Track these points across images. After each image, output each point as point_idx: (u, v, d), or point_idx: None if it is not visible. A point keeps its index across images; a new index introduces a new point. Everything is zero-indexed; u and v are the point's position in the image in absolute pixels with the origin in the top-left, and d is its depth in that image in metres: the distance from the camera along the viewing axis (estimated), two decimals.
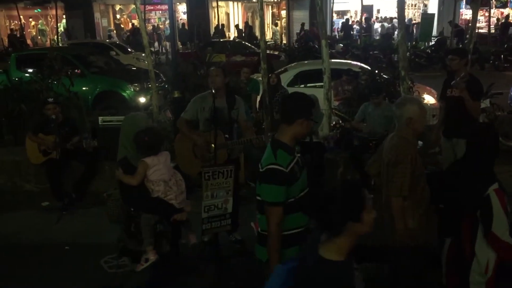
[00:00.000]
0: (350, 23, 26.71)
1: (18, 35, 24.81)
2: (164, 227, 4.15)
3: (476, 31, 10.78)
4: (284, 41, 24.92)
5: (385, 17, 27.56)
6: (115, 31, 28.66)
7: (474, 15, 8.15)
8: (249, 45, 20.10)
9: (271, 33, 28.75)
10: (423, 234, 3.36)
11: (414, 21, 25.33)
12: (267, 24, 29.83)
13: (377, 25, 27.22)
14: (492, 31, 22.54)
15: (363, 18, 23.99)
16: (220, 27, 26.74)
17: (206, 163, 4.51)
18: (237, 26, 27.86)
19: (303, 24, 24.72)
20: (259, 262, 3.04)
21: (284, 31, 27.79)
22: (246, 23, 28.68)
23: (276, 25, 27.44)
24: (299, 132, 2.99)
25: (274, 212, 2.87)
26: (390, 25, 25.46)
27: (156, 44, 26.09)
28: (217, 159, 4.43)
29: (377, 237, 2.99)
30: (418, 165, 3.30)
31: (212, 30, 26.93)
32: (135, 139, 3.95)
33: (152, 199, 3.99)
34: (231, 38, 25.08)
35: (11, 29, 26.23)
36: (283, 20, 30.13)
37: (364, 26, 23.57)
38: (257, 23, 25.91)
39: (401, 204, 3.27)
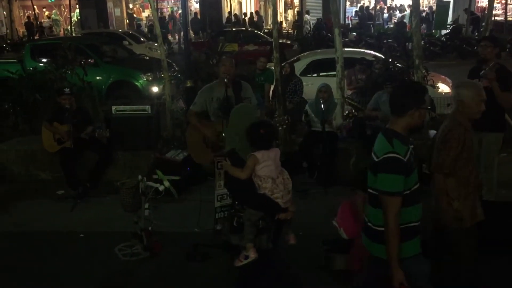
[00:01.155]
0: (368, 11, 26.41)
1: (36, 23, 25.11)
2: (266, 224, 3.97)
3: (492, 18, 10.59)
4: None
5: (400, 4, 27.25)
6: (144, 21, 28.69)
7: (490, 2, 8.01)
8: (262, 34, 20.01)
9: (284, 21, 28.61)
10: (469, 218, 3.36)
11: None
12: (280, 13, 29.63)
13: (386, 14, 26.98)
14: (509, 18, 22.13)
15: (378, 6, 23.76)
16: (255, 14, 26.46)
17: (217, 152, 4.53)
18: (235, 15, 27.56)
19: (299, 12, 24.58)
20: (376, 261, 2.93)
21: (296, 19, 27.59)
22: (257, 12, 28.49)
23: (308, 12, 26.99)
24: (412, 123, 2.89)
25: (394, 203, 2.77)
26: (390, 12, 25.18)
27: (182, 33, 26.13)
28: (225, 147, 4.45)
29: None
30: (467, 147, 3.33)
31: (224, 19, 26.85)
32: (249, 130, 3.76)
33: (258, 195, 3.81)
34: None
35: (28, 17, 26.51)
36: (296, 9, 29.90)
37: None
38: (269, 11, 25.77)
39: (442, 181, 3.33)
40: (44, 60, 10.13)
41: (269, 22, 25.32)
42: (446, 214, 3.33)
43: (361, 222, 3.39)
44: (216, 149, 4.59)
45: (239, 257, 3.95)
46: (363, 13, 25.41)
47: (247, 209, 3.92)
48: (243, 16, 27.25)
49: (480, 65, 5.21)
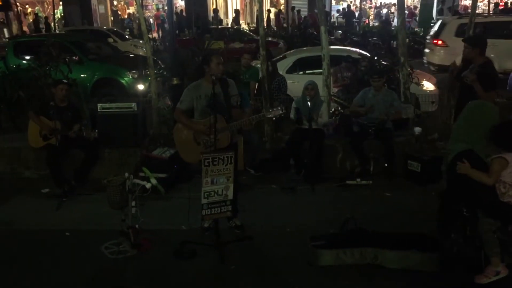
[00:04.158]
0: (351, 9, 26.59)
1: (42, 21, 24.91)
2: (503, 235, 3.65)
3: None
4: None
5: (385, 3, 27.48)
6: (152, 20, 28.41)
7: (474, 1, 8.11)
8: (248, 31, 20.02)
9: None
10: None
11: None
12: (265, 10, 29.64)
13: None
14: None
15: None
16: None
17: (209, 148, 4.52)
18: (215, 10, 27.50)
19: (298, 11, 24.63)
20: None
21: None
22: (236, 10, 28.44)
23: (293, 9, 26.98)
24: None
25: None
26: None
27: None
28: (217, 143, 4.45)
29: None
30: None
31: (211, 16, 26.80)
32: (501, 130, 3.55)
33: (501, 203, 3.57)
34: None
35: (36, 14, 26.25)
36: (282, 7, 29.92)
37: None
38: (255, 9, 25.77)
39: None
40: (28, 57, 10.00)
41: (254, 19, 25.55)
42: None
43: None
44: (209, 147, 4.57)
45: (485, 272, 3.63)
46: (350, 11, 25.56)
47: (483, 218, 3.63)
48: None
49: (465, 65, 5.30)
